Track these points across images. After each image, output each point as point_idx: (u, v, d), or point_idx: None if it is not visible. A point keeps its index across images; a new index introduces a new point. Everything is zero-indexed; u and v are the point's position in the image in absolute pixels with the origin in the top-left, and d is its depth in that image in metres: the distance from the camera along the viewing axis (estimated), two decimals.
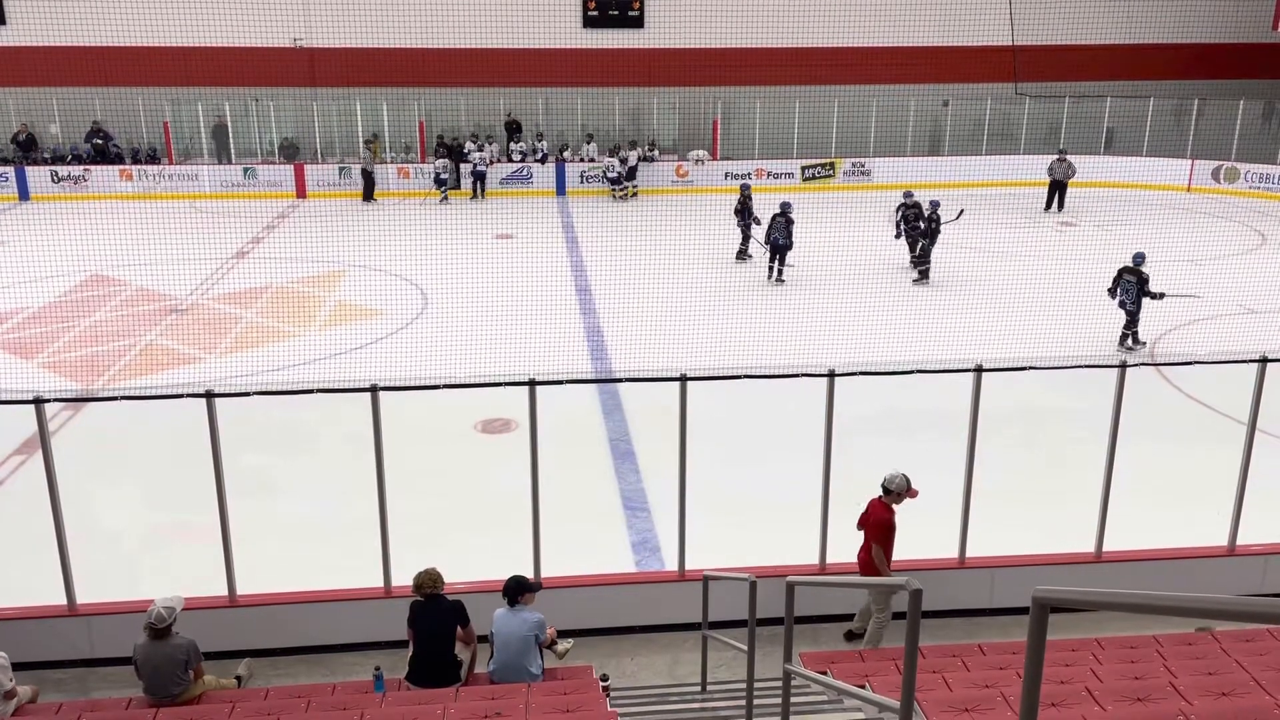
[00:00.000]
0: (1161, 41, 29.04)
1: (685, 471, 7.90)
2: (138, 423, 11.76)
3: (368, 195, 26.28)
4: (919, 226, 18.65)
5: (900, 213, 19.15)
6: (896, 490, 7.63)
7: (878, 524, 7.62)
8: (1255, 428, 8.10)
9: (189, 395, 7.52)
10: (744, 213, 19.68)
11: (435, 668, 6.58)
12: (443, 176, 26.08)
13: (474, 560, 8.10)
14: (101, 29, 25.38)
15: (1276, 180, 26.81)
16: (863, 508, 7.83)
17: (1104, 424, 8.04)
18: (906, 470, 7.82)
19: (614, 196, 26.42)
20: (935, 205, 18.48)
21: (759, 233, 19.13)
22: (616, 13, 27.87)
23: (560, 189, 27.19)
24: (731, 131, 28.82)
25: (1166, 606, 2.23)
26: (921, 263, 18.58)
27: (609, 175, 26.60)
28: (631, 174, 26.87)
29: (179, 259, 18.51)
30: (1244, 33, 29.25)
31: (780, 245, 18.20)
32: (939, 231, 18.41)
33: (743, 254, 19.84)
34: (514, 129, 27.76)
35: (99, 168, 26.14)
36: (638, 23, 27.99)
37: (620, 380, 13.07)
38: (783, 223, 18.11)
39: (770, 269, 18.51)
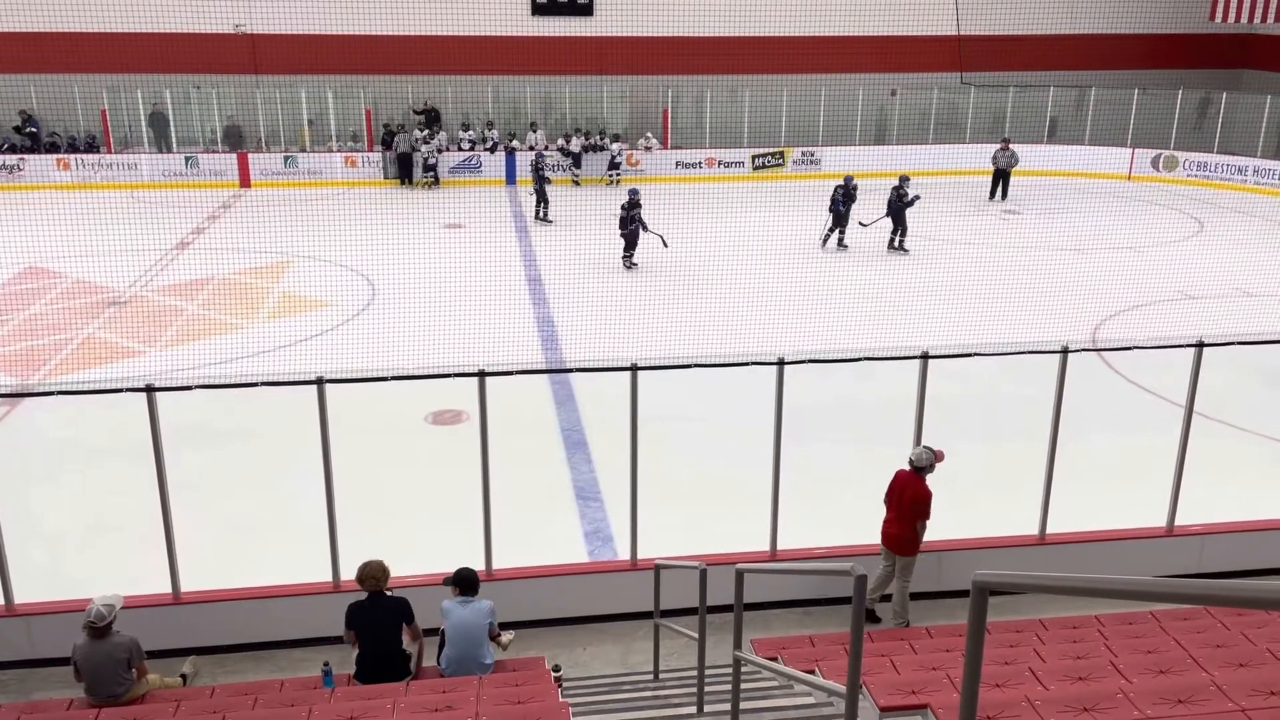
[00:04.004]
0: (1102, 32, 29.58)
1: (637, 461, 7.90)
2: (76, 418, 11.50)
3: (405, 178, 26.19)
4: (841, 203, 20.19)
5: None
6: (926, 465, 7.81)
7: (922, 501, 7.77)
8: (1192, 411, 8.30)
9: (129, 390, 7.35)
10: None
11: (385, 666, 6.50)
12: (431, 161, 26.04)
13: (425, 553, 8.04)
14: (35, 14, 24.70)
15: (1213, 168, 27.45)
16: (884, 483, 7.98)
17: (1047, 408, 8.18)
18: (855, 458, 7.90)
19: (610, 181, 26.37)
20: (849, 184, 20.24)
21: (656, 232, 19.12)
22: (565, 0, 27.71)
23: (510, 178, 27.00)
24: (682, 120, 28.83)
25: (1103, 590, 2.27)
26: (836, 229, 20.31)
27: (616, 160, 26.72)
28: (577, 161, 26.86)
29: (118, 250, 18.07)
30: (1182, 23, 29.89)
31: (636, 235, 18.58)
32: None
33: None
34: (433, 118, 27.44)
35: (34, 157, 25.44)
36: (587, 10, 27.86)
37: (571, 370, 13.04)
38: (637, 214, 18.49)
39: (626, 256, 18.80)
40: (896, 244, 20.17)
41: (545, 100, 28.51)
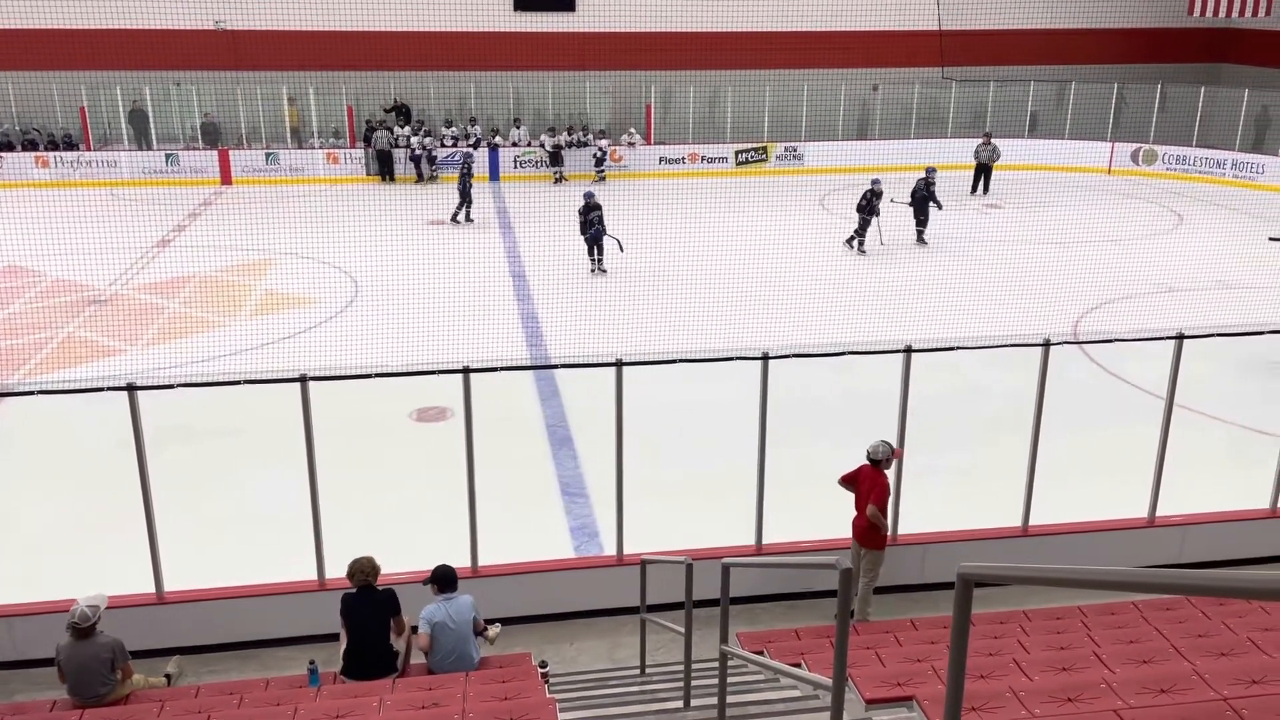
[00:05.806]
0: (1082, 26, 29.73)
1: (622, 456, 7.91)
2: (57, 417, 11.40)
3: (386, 174, 26.11)
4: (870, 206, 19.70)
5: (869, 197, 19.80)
6: (883, 458, 7.82)
7: (881, 490, 7.77)
8: (1173, 402, 8.37)
9: (110, 388, 7.31)
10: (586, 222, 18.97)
11: (371, 660, 6.50)
12: (434, 154, 26.07)
13: (411, 550, 8.01)
14: (12, 11, 24.46)
15: (1192, 162, 27.65)
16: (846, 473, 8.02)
17: (1029, 400, 8.23)
18: (839, 452, 7.93)
19: (598, 177, 26.34)
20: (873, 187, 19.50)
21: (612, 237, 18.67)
22: None
23: (494, 174, 26.92)
24: (665, 116, 28.82)
25: (1086, 580, 2.29)
26: (859, 234, 19.78)
27: (598, 156, 26.74)
28: (554, 159, 26.80)
29: (98, 248, 17.91)
30: (1161, 18, 30.07)
31: (599, 236, 18.26)
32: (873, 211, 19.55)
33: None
34: (403, 114, 27.30)
35: (11, 155, 25.20)
36: (569, 5, 27.78)
37: (556, 366, 13.02)
38: (597, 216, 18.22)
39: (594, 261, 18.37)
40: (918, 237, 20.24)
41: (527, 96, 28.41)
